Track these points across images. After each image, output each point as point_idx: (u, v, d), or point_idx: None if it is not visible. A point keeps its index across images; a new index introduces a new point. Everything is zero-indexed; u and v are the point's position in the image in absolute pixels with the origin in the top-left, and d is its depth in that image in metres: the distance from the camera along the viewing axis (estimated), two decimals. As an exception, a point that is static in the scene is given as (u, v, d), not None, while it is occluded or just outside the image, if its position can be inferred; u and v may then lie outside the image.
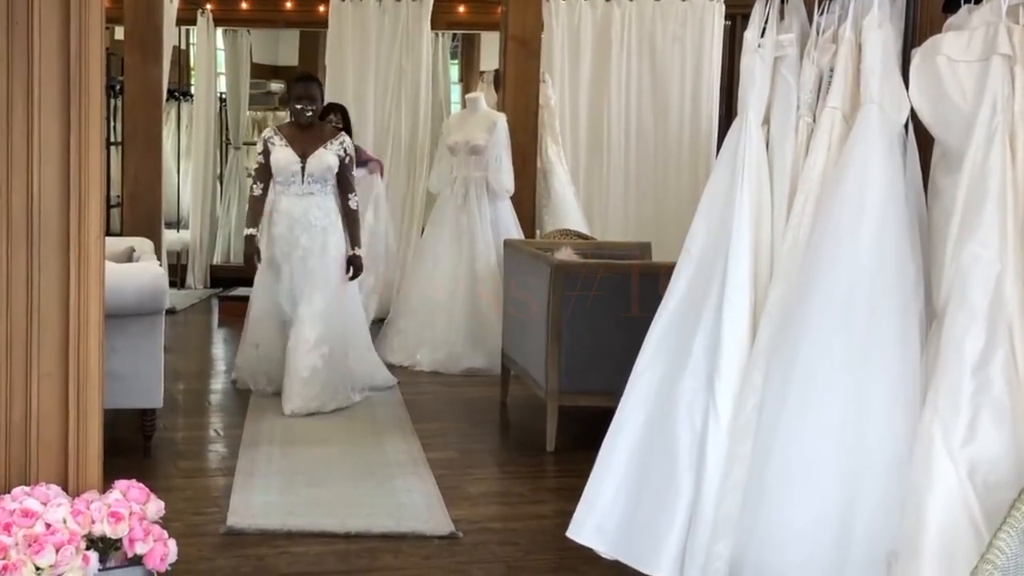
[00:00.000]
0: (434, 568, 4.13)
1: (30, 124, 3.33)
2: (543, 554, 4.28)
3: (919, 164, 3.21)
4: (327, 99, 9.40)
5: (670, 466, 3.31)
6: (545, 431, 5.62)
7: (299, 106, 6.30)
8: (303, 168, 6.24)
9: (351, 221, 6.36)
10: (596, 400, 5.38)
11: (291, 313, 6.30)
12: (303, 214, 6.24)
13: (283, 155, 6.25)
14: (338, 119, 7.37)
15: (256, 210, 6.36)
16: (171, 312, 8.39)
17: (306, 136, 6.30)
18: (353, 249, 6.33)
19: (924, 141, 3.21)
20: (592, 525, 3.46)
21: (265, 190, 6.36)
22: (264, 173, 6.36)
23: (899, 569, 2.79)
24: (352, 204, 6.36)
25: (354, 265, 6.36)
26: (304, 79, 6.56)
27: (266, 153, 6.33)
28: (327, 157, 6.25)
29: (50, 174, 3.37)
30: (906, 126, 3.19)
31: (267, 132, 6.47)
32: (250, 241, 6.33)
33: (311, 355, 6.20)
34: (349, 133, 7.64)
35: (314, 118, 6.37)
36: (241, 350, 6.75)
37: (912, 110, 3.14)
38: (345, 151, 6.31)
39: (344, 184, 6.34)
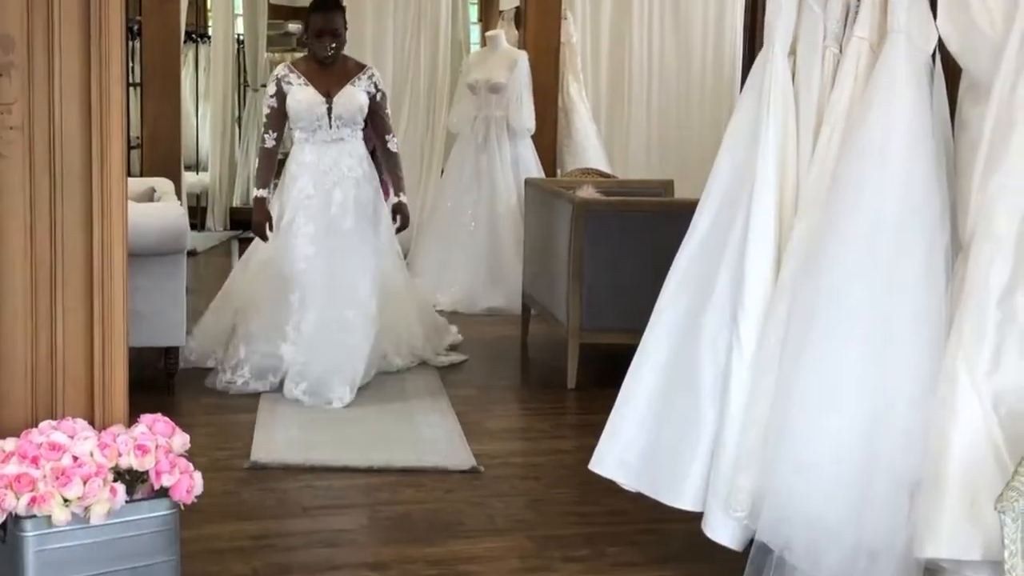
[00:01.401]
0: (456, 501, 4.17)
1: (50, 64, 3.33)
2: (564, 487, 4.31)
3: (946, 95, 3.17)
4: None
5: (693, 399, 3.31)
6: (566, 369, 5.64)
7: (321, 41, 5.33)
8: (330, 110, 5.31)
9: (392, 164, 5.49)
10: (617, 338, 5.37)
11: (315, 284, 5.28)
12: (333, 164, 5.31)
13: (305, 96, 5.30)
14: None
15: (268, 166, 5.39)
16: (192, 254, 8.41)
17: (328, 73, 5.38)
18: (397, 195, 5.46)
19: (951, 71, 3.16)
20: (614, 457, 3.47)
21: (279, 141, 5.40)
22: (278, 120, 5.37)
23: (922, 499, 2.79)
24: (392, 146, 5.47)
25: (401, 213, 5.45)
26: (324, 7, 5.41)
27: (280, 95, 5.34)
28: (357, 95, 5.35)
29: (71, 112, 3.36)
30: (933, 56, 3.14)
31: (280, 70, 5.44)
32: (261, 206, 5.35)
33: (372, 329, 5.39)
34: None
35: (337, 56, 5.40)
36: (208, 321, 5.80)
37: (939, 40, 3.10)
38: (376, 86, 5.42)
39: (380, 124, 5.46)
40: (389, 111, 5.62)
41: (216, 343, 5.71)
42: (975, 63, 3.02)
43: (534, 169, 7.76)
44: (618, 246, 5.60)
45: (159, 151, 8.50)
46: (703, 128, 8.91)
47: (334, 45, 5.34)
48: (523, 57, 7.83)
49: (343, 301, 5.29)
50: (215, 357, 5.65)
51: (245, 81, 11.43)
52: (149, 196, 6.06)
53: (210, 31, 11.44)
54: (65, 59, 3.33)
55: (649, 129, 9.06)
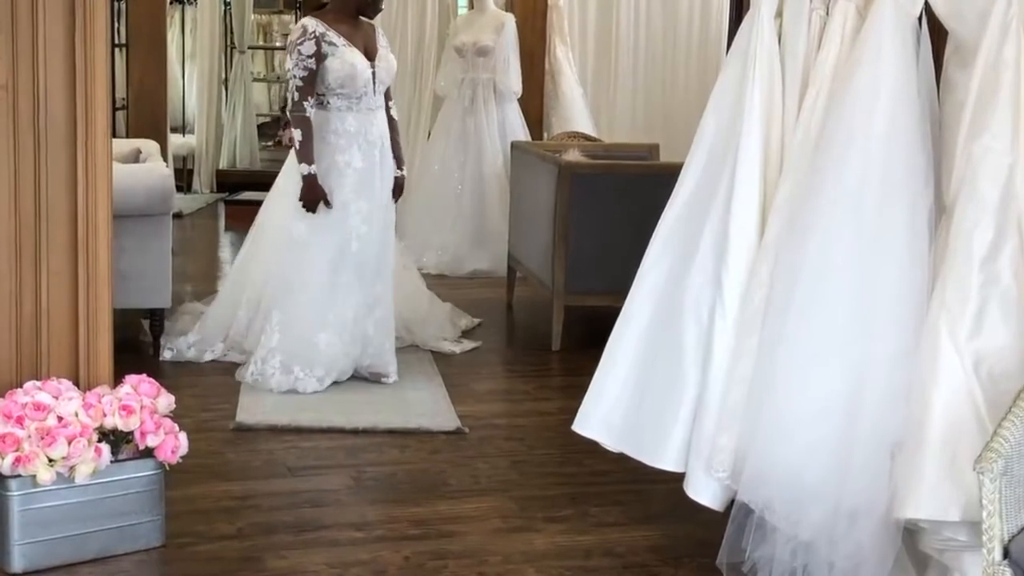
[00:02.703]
0: (441, 462, 4.19)
1: (35, 23, 3.31)
2: (548, 448, 4.34)
3: (932, 57, 3.17)
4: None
5: (676, 360, 3.32)
6: (551, 331, 5.66)
7: None
8: (374, 75, 4.84)
9: (396, 133, 5.03)
10: (602, 300, 5.40)
11: (365, 266, 4.91)
12: (379, 136, 4.87)
13: (357, 60, 4.75)
14: None
15: (312, 137, 4.72)
16: (178, 216, 8.40)
17: (358, 31, 4.85)
18: (400, 169, 5.04)
19: (937, 33, 3.16)
20: (597, 418, 3.48)
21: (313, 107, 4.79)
22: (314, 84, 4.73)
23: (902, 460, 2.81)
24: (394, 112, 5.06)
25: (399, 188, 5.06)
26: None
27: (319, 56, 4.70)
28: (391, 58, 4.95)
29: (55, 73, 3.35)
30: (919, 19, 3.14)
31: (314, 26, 4.73)
32: (314, 183, 4.71)
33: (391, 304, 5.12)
34: None
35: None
36: (215, 314, 5.45)
37: (926, 2, 3.09)
38: (388, 46, 5.05)
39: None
40: None
41: (218, 334, 5.38)
42: (961, 26, 3.01)
43: (520, 132, 7.76)
44: (603, 209, 5.60)
45: (145, 113, 8.46)
46: (689, 92, 8.89)
47: None
48: (510, 20, 7.80)
49: (381, 279, 4.99)
50: (212, 351, 5.32)
51: (232, 43, 11.37)
52: (135, 157, 6.04)
53: (196, -8, 11.36)
54: (49, 18, 3.32)
55: (635, 92, 9.03)
